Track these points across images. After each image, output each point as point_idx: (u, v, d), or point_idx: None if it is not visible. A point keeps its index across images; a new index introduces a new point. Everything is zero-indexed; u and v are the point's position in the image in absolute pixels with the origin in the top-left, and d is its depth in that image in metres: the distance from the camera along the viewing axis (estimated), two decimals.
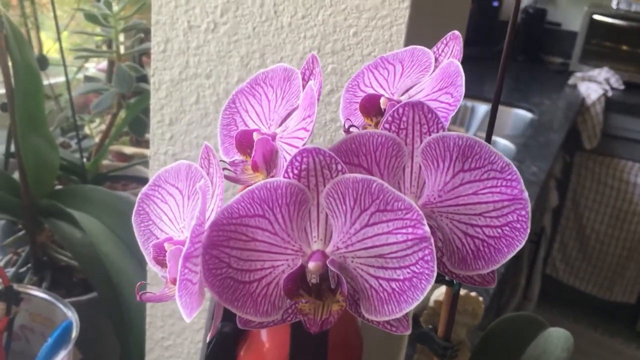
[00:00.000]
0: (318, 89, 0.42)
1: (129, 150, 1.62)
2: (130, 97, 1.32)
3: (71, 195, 0.97)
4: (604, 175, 3.03)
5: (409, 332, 0.38)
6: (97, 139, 1.46)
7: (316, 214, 0.39)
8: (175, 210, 0.43)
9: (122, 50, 1.33)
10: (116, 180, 1.40)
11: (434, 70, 0.50)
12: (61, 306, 0.88)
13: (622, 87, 3.09)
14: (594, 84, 3.00)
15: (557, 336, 0.73)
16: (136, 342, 0.86)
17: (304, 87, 0.45)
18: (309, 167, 0.38)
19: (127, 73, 1.20)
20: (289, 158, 0.42)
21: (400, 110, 0.41)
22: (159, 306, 0.81)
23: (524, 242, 0.38)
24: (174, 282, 0.40)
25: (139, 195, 0.45)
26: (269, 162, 0.44)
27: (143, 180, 1.43)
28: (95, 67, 1.86)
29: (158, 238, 0.44)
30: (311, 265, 0.37)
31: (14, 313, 0.87)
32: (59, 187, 1.12)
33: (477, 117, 2.74)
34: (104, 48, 1.53)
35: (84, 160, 1.23)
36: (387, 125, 0.42)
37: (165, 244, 0.40)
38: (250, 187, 0.38)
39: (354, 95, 0.54)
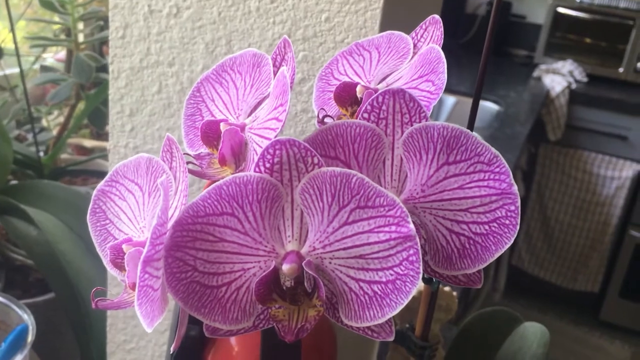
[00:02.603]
0: (291, 75, 0.39)
1: (89, 143, 1.56)
2: (90, 88, 1.27)
3: (26, 190, 0.91)
4: (568, 166, 3.06)
5: (391, 339, 0.35)
6: (54, 132, 1.40)
7: (290, 212, 0.35)
8: (135, 209, 0.39)
9: (80, 38, 1.27)
10: (75, 174, 1.34)
11: (412, 57, 0.47)
12: (16, 308, 0.83)
13: (585, 79, 3.12)
14: (558, 77, 3.03)
15: (533, 331, 0.71)
16: (97, 346, 0.81)
17: (275, 73, 0.42)
18: (282, 160, 0.35)
19: (86, 62, 1.15)
20: (259, 150, 0.39)
21: (380, 99, 0.38)
22: None
23: (512, 239, 0.36)
24: (133, 287, 0.36)
25: (94, 192, 0.41)
26: (238, 155, 0.40)
27: (104, 175, 1.37)
28: (53, 57, 1.79)
29: (116, 238, 0.41)
30: (285, 267, 0.34)
31: None
32: (13, 182, 1.06)
33: (445, 109, 2.74)
34: (63, 37, 1.47)
35: (41, 154, 1.17)
36: (365, 115, 0.39)
37: (124, 246, 0.37)
38: (217, 183, 0.35)
39: (328, 84, 0.50)
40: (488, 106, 2.81)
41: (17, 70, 1.57)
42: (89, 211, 0.41)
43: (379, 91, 0.38)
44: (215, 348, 0.58)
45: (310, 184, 0.34)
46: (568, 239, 3.17)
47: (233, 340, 0.57)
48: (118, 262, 0.38)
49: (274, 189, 0.35)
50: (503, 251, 0.36)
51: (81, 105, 1.29)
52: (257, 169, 0.35)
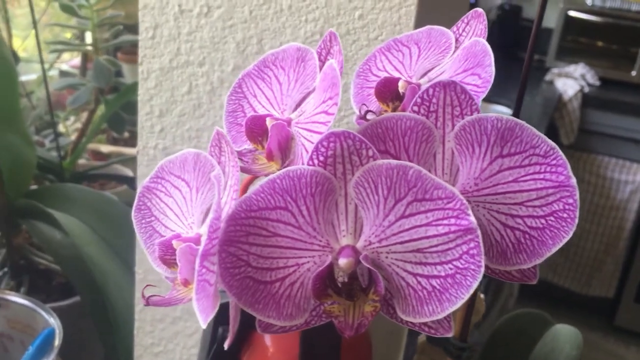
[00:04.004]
0: (339, 69, 0.39)
1: (105, 148, 1.56)
2: (107, 93, 1.27)
3: (50, 194, 0.91)
4: (581, 170, 3.05)
5: (451, 335, 0.34)
6: (72, 137, 1.40)
7: (344, 205, 0.35)
8: (182, 204, 0.39)
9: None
10: (93, 179, 1.35)
11: (455, 51, 0.46)
12: (42, 312, 0.82)
13: (597, 83, 3.11)
14: (571, 80, 3.02)
15: (565, 333, 0.71)
16: (123, 349, 0.81)
17: (320, 67, 0.41)
18: (336, 153, 0.34)
19: (106, 67, 1.15)
20: (307, 145, 0.39)
21: (430, 91, 0.38)
22: (148, 310, 0.76)
23: (571, 233, 0.35)
24: (185, 283, 0.36)
25: (139, 189, 0.41)
26: (285, 150, 0.40)
27: (121, 179, 1.38)
28: (67, 63, 1.79)
29: (162, 235, 0.40)
30: (342, 262, 0.33)
31: None
32: (33, 186, 1.06)
33: None
34: (77, 42, 1.48)
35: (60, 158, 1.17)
36: (415, 108, 0.38)
37: (174, 242, 0.36)
38: (271, 177, 0.34)
39: (366, 80, 0.50)
40: (500, 110, 2.80)
41: (32, 76, 1.57)
42: (133, 208, 0.41)
43: (430, 84, 0.38)
44: (251, 350, 0.57)
45: (365, 177, 0.34)
46: (582, 243, 3.15)
47: (268, 340, 0.56)
48: (167, 259, 0.37)
49: (327, 182, 0.34)
50: (561, 245, 0.35)
51: (99, 110, 1.29)
52: (310, 162, 0.34)
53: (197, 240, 0.37)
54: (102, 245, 0.86)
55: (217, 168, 0.36)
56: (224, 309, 0.58)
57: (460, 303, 0.32)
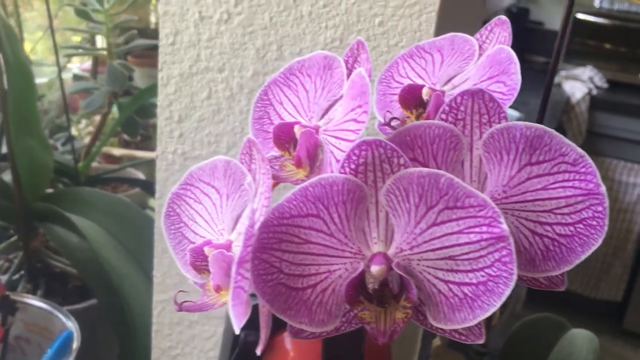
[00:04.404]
0: (368, 76, 0.39)
1: (117, 151, 1.57)
2: (119, 97, 1.27)
3: (67, 198, 0.92)
4: None
5: (482, 341, 0.34)
6: (85, 140, 1.41)
7: (375, 213, 0.35)
8: (212, 211, 0.39)
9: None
10: (106, 182, 1.35)
11: (478, 58, 0.47)
12: (60, 315, 0.83)
13: (605, 85, 3.10)
14: (579, 83, 3.01)
15: (581, 337, 0.71)
16: (140, 352, 0.81)
17: (348, 75, 0.42)
18: (367, 161, 0.35)
19: (119, 71, 1.15)
20: (336, 152, 0.39)
21: (459, 99, 0.38)
22: (166, 313, 0.77)
23: (600, 241, 0.35)
24: (217, 289, 0.36)
25: (169, 196, 0.41)
26: (313, 157, 0.40)
27: (134, 182, 1.38)
28: (79, 67, 1.80)
29: (191, 241, 0.41)
30: (374, 269, 0.34)
31: (10, 324, 0.82)
32: (49, 190, 1.07)
33: None
34: (88, 46, 1.48)
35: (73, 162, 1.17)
36: (443, 116, 0.38)
37: (205, 248, 0.37)
38: (303, 184, 0.34)
39: (388, 87, 0.50)
40: (508, 113, 2.79)
41: (43, 80, 1.58)
42: (163, 214, 0.41)
43: (458, 92, 0.38)
44: (272, 353, 0.58)
45: (396, 184, 0.34)
46: None
47: (289, 344, 0.56)
48: (198, 265, 0.38)
49: (359, 190, 0.35)
50: (590, 253, 0.36)
51: (111, 114, 1.30)
52: (342, 170, 0.35)
53: (228, 246, 0.37)
54: (119, 249, 0.87)
55: (249, 176, 0.36)
56: None
57: (492, 310, 0.33)
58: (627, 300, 3.04)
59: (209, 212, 0.40)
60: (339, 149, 0.38)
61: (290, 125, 0.41)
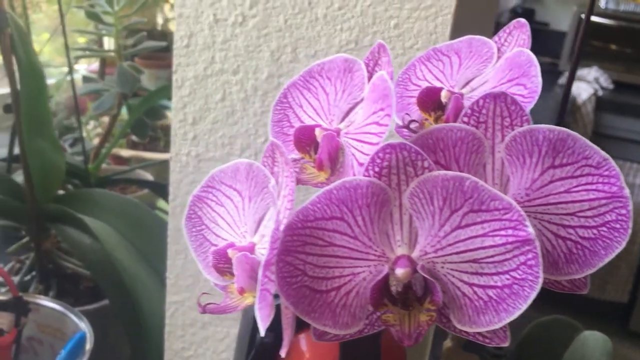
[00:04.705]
0: (390, 79, 0.39)
1: (125, 153, 1.57)
2: (129, 98, 1.28)
3: (79, 199, 0.92)
4: None
5: (506, 344, 0.35)
6: (94, 142, 1.41)
7: (399, 216, 0.35)
8: (234, 213, 0.40)
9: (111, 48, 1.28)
10: (115, 184, 1.36)
11: (497, 61, 0.47)
12: (72, 316, 0.84)
13: (611, 86, 3.10)
14: (584, 84, 3.00)
15: (594, 339, 0.71)
16: (153, 353, 0.82)
17: (368, 79, 0.42)
18: (391, 164, 0.35)
19: (130, 73, 1.16)
20: (358, 155, 0.39)
21: (481, 102, 0.38)
22: (179, 314, 0.77)
23: (624, 244, 0.35)
24: (241, 291, 0.36)
25: (190, 198, 0.41)
26: (334, 159, 0.40)
27: (142, 183, 1.39)
28: (86, 68, 1.81)
29: (212, 243, 0.41)
30: (399, 272, 0.34)
31: (23, 325, 0.82)
32: (60, 191, 1.07)
33: None
34: (96, 48, 1.49)
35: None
36: (465, 119, 0.38)
37: (229, 251, 0.37)
38: (327, 187, 0.35)
39: (406, 89, 0.50)
40: None
41: (51, 81, 1.59)
42: (184, 217, 0.41)
43: (479, 95, 0.38)
44: (288, 354, 0.58)
45: (420, 187, 0.34)
46: None
47: (304, 346, 0.56)
48: (220, 267, 0.38)
49: (383, 193, 0.35)
50: (613, 256, 0.36)
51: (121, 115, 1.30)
52: (366, 173, 0.35)
53: (251, 249, 0.37)
54: (131, 250, 0.87)
55: (273, 179, 0.37)
56: None
57: (517, 313, 0.33)
58: (633, 301, 3.03)
59: (230, 214, 0.40)
60: (361, 151, 0.39)
61: (311, 128, 0.41)
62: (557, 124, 0.37)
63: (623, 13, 3.21)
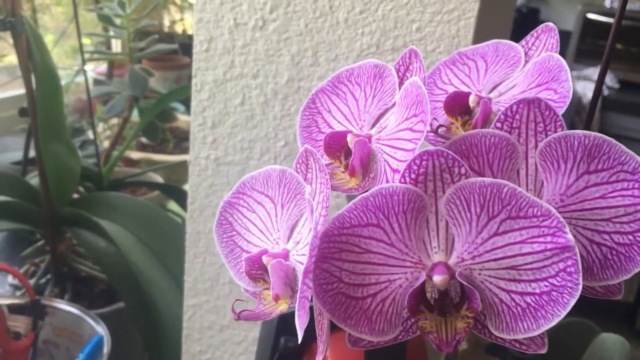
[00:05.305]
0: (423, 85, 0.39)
1: (135, 155, 1.57)
2: (139, 101, 1.28)
3: (94, 202, 0.92)
4: None
5: (544, 351, 0.34)
6: (104, 144, 1.42)
7: (435, 222, 0.35)
8: (266, 220, 0.40)
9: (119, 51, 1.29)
10: (126, 186, 1.36)
11: (524, 65, 0.47)
12: (89, 320, 0.84)
13: (617, 85, 3.09)
14: (590, 83, 3.00)
15: (612, 342, 0.70)
16: (170, 356, 0.82)
17: (399, 84, 0.42)
18: (427, 171, 0.35)
19: (141, 75, 1.16)
20: (390, 160, 0.39)
21: (514, 108, 0.38)
22: (197, 318, 0.77)
23: None
24: (276, 298, 0.36)
25: (221, 204, 0.41)
26: (366, 165, 0.40)
27: (152, 185, 1.39)
28: (93, 69, 1.81)
29: (244, 250, 0.41)
30: (437, 279, 0.34)
31: (40, 328, 0.82)
32: (74, 195, 1.07)
33: None
34: (104, 50, 1.49)
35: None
36: (498, 125, 0.38)
37: (263, 257, 0.37)
38: (363, 195, 0.35)
39: (431, 94, 0.50)
40: None
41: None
42: (215, 223, 0.41)
43: (513, 100, 0.38)
44: (311, 359, 0.58)
45: (457, 194, 0.34)
46: None
47: (328, 351, 0.56)
48: (253, 274, 0.38)
49: (419, 200, 0.35)
50: None
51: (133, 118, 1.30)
52: (402, 180, 0.35)
53: (285, 255, 0.37)
54: (146, 252, 0.87)
55: (309, 186, 0.37)
56: (284, 320, 0.58)
57: (556, 320, 0.33)
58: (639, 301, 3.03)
59: (262, 221, 0.40)
60: (394, 158, 0.39)
61: (343, 134, 0.41)
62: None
63: (628, 12, 3.21)
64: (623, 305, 3.09)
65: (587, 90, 3.00)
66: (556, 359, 0.72)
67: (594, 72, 3.15)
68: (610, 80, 3.13)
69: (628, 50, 3.24)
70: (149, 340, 0.84)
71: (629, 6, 3.21)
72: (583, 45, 3.32)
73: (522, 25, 3.51)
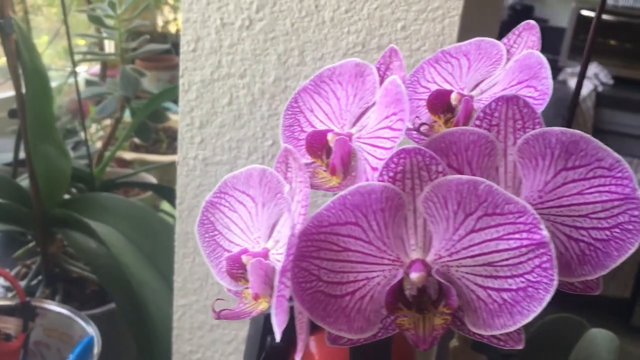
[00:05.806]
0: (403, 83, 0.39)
1: (128, 155, 1.57)
2: (131, 101, 1.28)
3: (85, 203, 0.92)
4: None
5: (521, 347, 0.35)
6: (96, 145, 1.42)
7: (413, 220, 0.35)
8: (247, 219, 0.40)
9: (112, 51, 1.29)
10: (117, 187, 1.36)
11: (506, 63, 0.47)
12: (80, 320, 0.84)
13: (611, 82, 3.10)
14: (585, 80, 3.00)
15: (601, 337, 0.71)
16: (161, 356, 0.82)
17: (380, 83, 0.42)
18: (405, 169, 0.35)
19: (133, 76, 1.16)
20: (370, 159, 0.39)
21: (493, 105, 0.38)
22: (187, 318, 0.77)
23: (637, 245, 0.35)
24: (256, 297, 0.36)
25: (203, 204, 0.42)
26: (347, 164, 0.40)
27: (145, 186, 1.39)
28: (86, 71, 1.81)
29: (225, 249, 0.41)
30: (414, 276, 0.34)
31: (30, 329, 0.82)
32: (65, 196, 1.07)
33: None
34: (97, 50, 1.49)
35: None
36: (477, 122, 0.39)
37: (243, 257, 0.37)
38: (341, 193, 0.35)
39: (414, 92, 0.50)
40: None
41: (52, 84, 1.59)
42: (197, 222, 0.42)
43: (492, 98, 0.38)
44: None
45: (435, 192, 0.35)
46: None
47: (314, 348, 0.57)
48: (234, 273, 0.38)
49: (397, 198, 0.35)
50: (626, 257, 0.36)
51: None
52: (380, 178, 0.35)
53: (265, 254, 0.37)
54: (137, 254, 0.87)
55: (287, 185, 0.37)
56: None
57: (532, 316, 0.33)
58: (636, 297, 3.03)
59: (244, 220, 0.40)
60: (373, 156, 0.39)
61: (324, 133, 0.41)
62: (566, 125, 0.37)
63: (622, 8, 3.21)
64: (619, 300, 3.10)
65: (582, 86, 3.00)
66: (546, 354, 0.72)
67: (588, 68, 3.15)
68: (604, 76, 3.13)
69: (622, 46, 3.25)
70: (140, 341, 0.84)
71: (622, 2, 3.22)
72: (577, 42, 3.32)
73: (516, 23, 3.51)
